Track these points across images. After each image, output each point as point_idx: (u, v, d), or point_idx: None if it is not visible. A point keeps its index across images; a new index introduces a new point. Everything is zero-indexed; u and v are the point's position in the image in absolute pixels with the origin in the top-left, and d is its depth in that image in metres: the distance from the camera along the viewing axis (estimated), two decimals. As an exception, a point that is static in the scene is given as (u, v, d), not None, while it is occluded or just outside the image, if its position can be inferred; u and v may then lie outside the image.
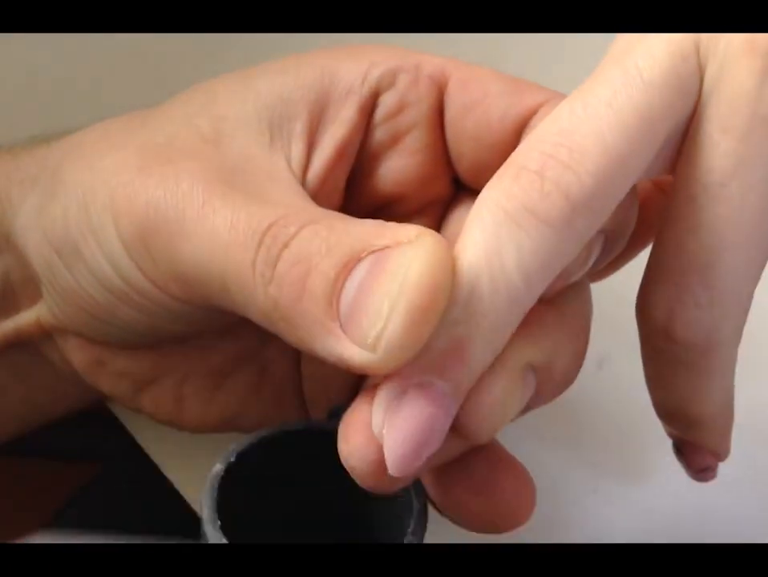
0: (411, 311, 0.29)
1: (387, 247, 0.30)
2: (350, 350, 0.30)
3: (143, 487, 0.43)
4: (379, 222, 0.32)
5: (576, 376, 0.34)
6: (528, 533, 0.34)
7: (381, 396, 0.30)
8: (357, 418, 0.31)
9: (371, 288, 0.30)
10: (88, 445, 0.44)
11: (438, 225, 0.39)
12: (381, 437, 0.30)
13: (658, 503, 0.43)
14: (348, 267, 0.30)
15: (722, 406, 0.35)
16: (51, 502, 0.43)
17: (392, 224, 0.31)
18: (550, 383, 0.33)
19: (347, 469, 0.31)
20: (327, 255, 0.31)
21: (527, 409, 0.33)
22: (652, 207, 0.35)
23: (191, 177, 0.34)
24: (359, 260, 0.30)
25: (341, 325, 0.30)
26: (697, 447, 0.36)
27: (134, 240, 0.34)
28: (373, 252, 0.30)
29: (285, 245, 0.31)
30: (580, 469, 0.42)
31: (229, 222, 0.32)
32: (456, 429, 0.31)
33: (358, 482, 0.31)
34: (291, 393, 0.39)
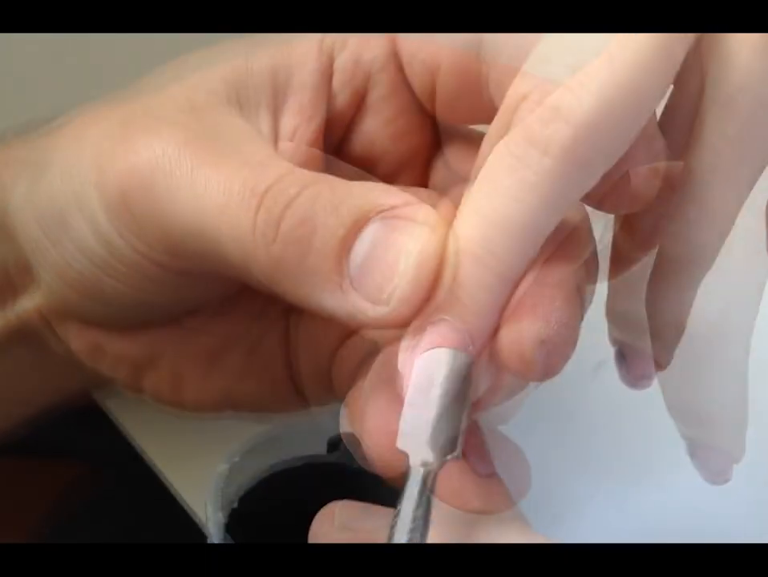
0: (424, 267, 0.31)
1: (394, 207, 0.31)
2: (362, 304, 0.31)
3: (138, 487, 0.43)
4: (378, 184, 0.33)
5: None
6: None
7: (406, 338, 0.32)
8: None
9: (387, 247, 0.31)
10: (82, 446, 0.45)
11: (424, 177, 0.39)
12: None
13: (657, 503, 0.43)
14: (358, 225, 0.31)
15: (734, 405, 0.35)
16: (45, 503, 0.43)
17: (392, 187, 0.32)
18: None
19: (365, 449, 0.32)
20: (333, 213, 0.32)
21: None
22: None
23: (176, 143, 0.34)
24: (368, 219, 0.31)
25: (351, 281, 0.31)
26: (711, 448, 0.36)
27: (117, 204, 0.34)
28: (383, 211, 0.31)
29: (288, 206, 0.32)
30: (579, 470, 0.42)
31: (223, 186, 0.33)
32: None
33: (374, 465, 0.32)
34: (281, 367, 0.40)
